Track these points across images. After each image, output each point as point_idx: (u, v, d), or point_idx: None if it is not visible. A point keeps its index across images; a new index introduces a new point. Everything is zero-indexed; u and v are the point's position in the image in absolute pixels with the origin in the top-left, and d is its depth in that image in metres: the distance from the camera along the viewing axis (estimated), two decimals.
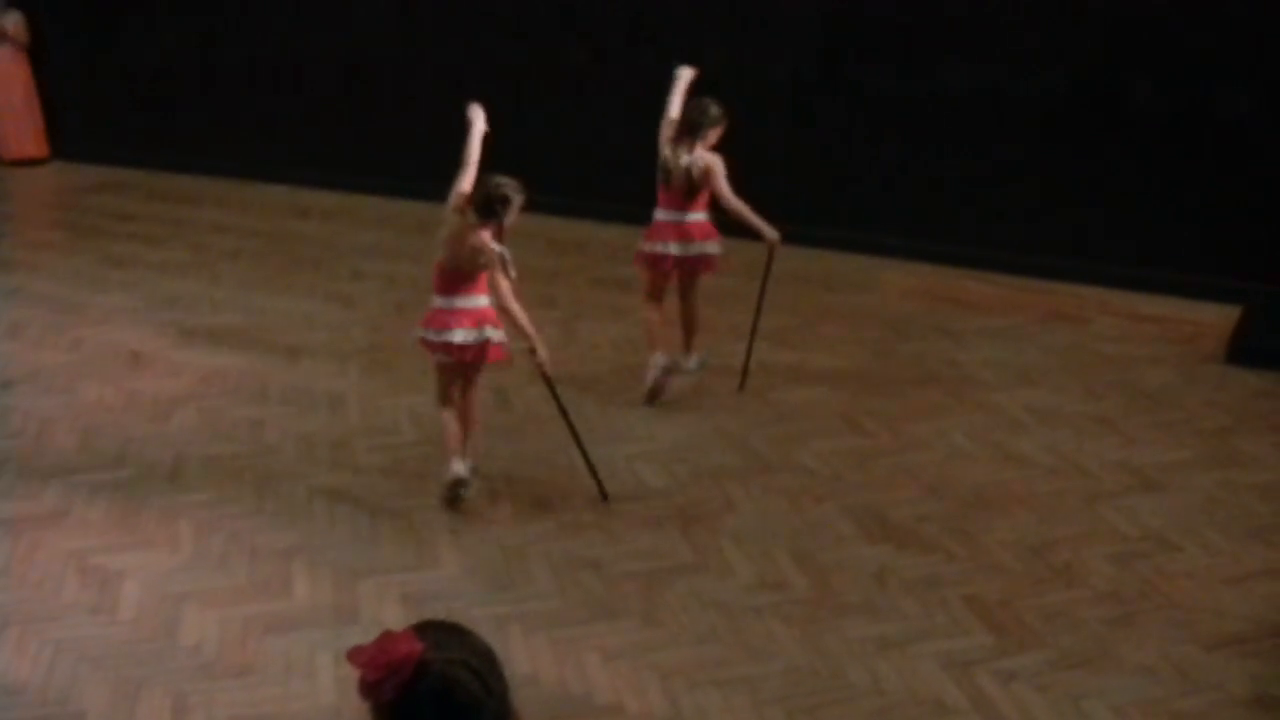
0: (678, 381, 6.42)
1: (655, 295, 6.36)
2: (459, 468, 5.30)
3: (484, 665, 2.03)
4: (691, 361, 6.45)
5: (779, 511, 5.34)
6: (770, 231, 6.15)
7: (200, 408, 6.47)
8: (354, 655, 1.97)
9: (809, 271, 8.19)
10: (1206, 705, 4.07)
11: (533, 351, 5.22)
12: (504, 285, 5.12)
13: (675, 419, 6.23)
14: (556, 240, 9.09)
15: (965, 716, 4.03)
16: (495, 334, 5.22)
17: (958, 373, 6.78)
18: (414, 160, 10.58)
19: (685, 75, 6.22)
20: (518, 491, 5.53)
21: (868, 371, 6.81)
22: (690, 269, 6.28)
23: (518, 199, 5.14)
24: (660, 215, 6.21)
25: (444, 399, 5.40)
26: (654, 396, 6.35)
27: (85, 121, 12.12)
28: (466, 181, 5.25)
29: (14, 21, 11.61)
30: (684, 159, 6.03)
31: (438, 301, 5.25)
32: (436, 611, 4.63)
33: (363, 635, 4.36)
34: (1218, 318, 7.34)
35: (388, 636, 1.98)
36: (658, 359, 6.30)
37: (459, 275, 5.18)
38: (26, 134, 11.88)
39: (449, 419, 5.38)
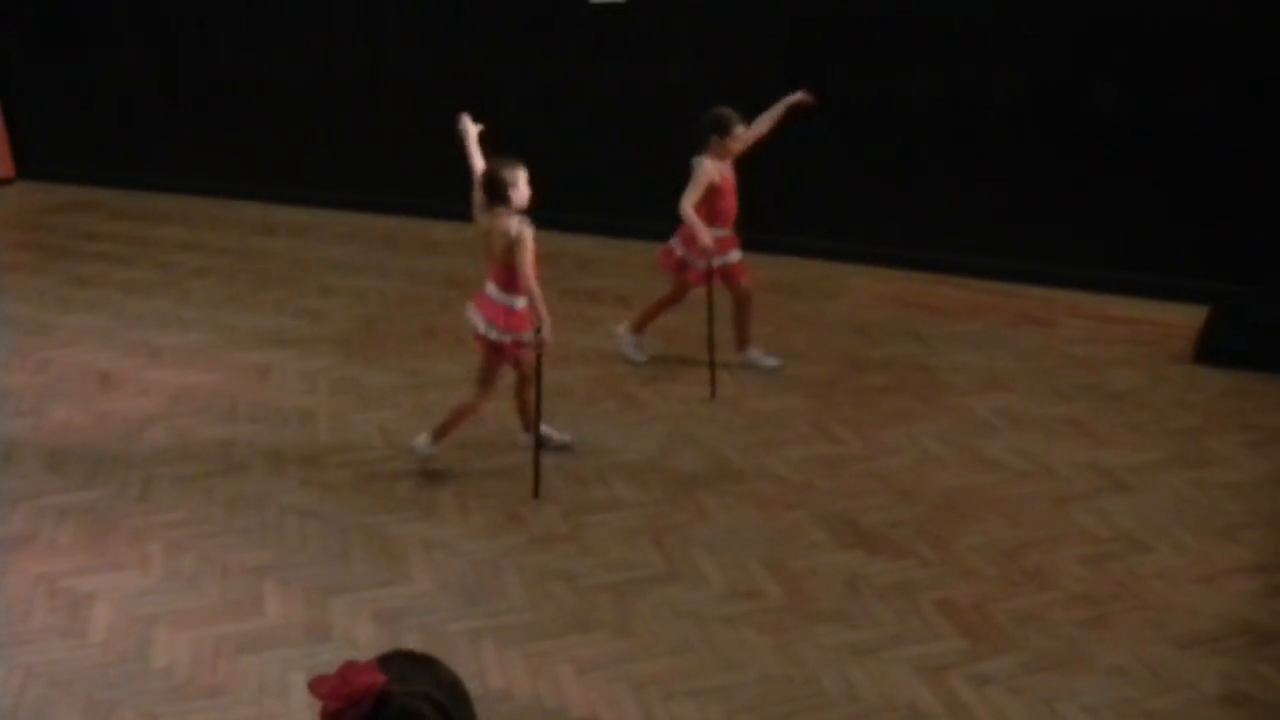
0: (649, 389, 6.42)
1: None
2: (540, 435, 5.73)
3: (448, 698, 2.04)
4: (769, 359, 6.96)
5: (751, 520, 5.34)
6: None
7: (169, 427, 6.44)
8: (316, 686, 1.97)
9: (777, 279, 8.20)
10: (1179, 704, 4.09)
11: (537, 330, 5.40)
12: (528, 260, 5.33)
13: (647, 429, 6.23)
14: None
15: None
16: (500, 335, 5.47)
17: (928, 378, 6.80)
18: (381, 174, 10.60)
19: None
20: (489, 505, 5.52)
21: (838, 378, 6.81)
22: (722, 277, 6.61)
23: (514, 173, 5.34)
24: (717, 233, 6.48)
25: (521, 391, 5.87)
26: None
27: (50, 141, 12.08)
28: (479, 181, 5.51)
29: None
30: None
31: (494, 294, 5.53)
32: (409, 627, 4.63)
33: (336, 653, 4.38)
34: (1186, 318, 7.37)
35: (350, 667, 1.98)
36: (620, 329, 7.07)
37: (507, 269, 5.41)
38: None
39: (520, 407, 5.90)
